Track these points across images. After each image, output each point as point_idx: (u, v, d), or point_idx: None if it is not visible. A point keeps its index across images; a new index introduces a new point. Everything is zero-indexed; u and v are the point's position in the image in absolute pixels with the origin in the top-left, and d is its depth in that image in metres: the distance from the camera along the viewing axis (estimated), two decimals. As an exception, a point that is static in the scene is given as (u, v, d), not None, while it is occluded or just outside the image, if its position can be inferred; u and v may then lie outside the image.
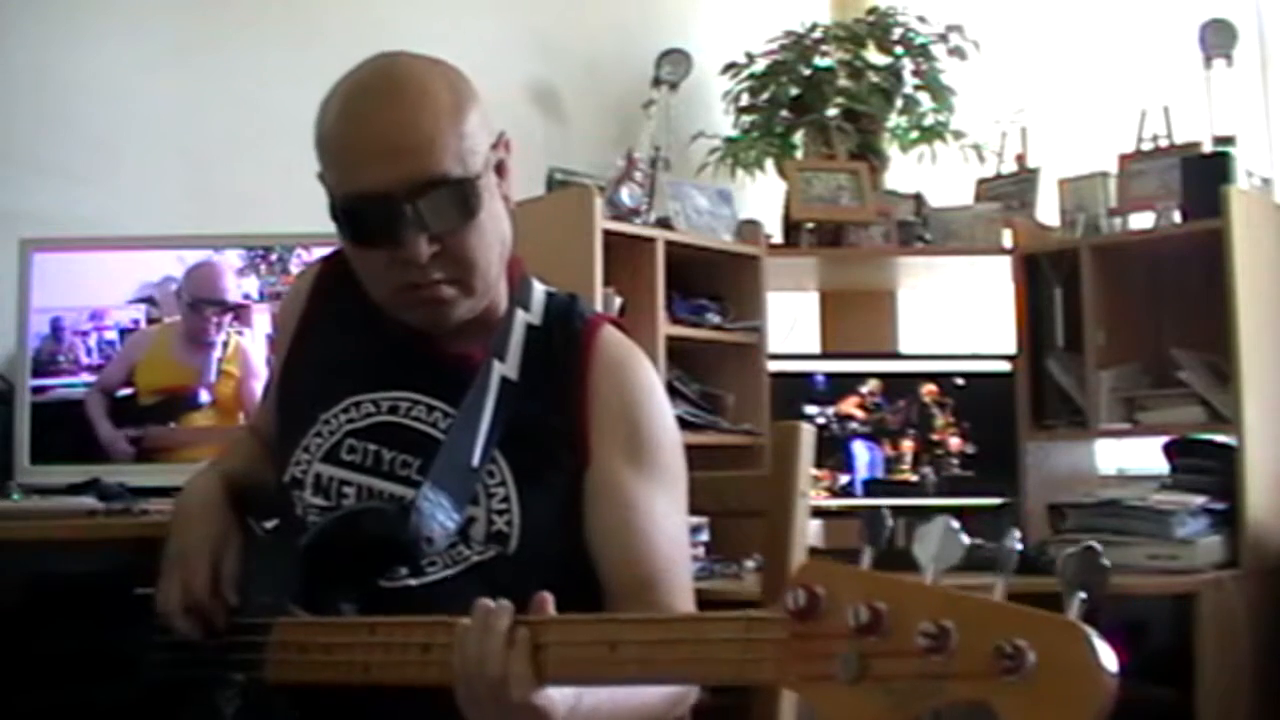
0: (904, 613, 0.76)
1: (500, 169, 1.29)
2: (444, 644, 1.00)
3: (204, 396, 2.29)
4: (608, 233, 2.81)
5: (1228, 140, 2.96)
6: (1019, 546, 0.80)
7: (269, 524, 1.36)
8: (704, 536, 2.90)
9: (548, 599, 1.00)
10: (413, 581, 1.21)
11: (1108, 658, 0.71)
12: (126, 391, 2.28)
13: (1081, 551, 0.77)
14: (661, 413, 1.32)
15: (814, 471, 2.10)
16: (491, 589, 1.15)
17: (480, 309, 1.28)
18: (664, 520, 1.26)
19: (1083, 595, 0.76)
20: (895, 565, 0.80)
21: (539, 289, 1.37)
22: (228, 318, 2.30)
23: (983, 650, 0.72)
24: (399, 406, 1.29)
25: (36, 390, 2.26)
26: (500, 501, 1.24)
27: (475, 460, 1.23)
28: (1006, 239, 3.23)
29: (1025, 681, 0.71)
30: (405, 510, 1.20)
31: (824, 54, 3.51)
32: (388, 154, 1.18)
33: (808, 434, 1.45)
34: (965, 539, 0.81)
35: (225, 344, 2.30)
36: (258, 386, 2.28)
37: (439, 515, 1.20)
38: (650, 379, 1.33)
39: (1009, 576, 0.79)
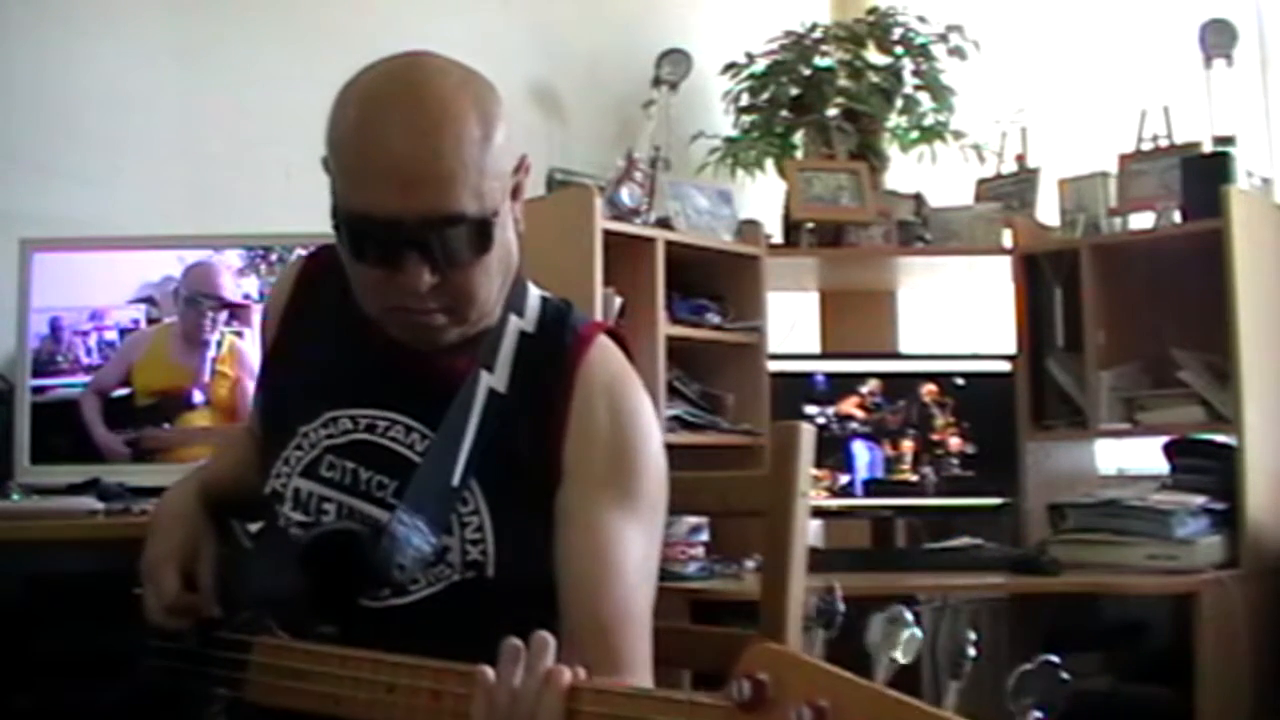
0: (847, 714, 0.75)
1: (516, 191, 1.24)
2: (406, 686, 1.00)
3: (199, 397, 2.29)
4: (608, 233, 2.81)
5: (1228, 140, 2.96)
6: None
7: (254, 527, 1.36)
8: (704, 536, 2.90)
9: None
10: (395, 601, 1.19)
11: None
12: (123, 392, 2.28)
13: (1038, 666, 0.76)
14: (644, 437, 1.25)
15: (814, 471, 2.10)
16: (473, 608, 1.15)
17: (471, 334, 1.25)
18: (633, 550, 1.20)
19: (1038, 714, 0.74)
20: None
21: (534, 294, 1.33)
22: (223, 315, 2.30)
23: None
24: (376, 425, 1.26)
25: (36, 390, 2.26)
26: (474, 531, 1.21)
27: (456, 480, 1.20)
28: (1006, 239, 3.23)
29: None
30: (378, 534, 1.17)
31: (824, 54, 3.51)
32: (404, 182, 1.12)
33: (808, 434, 1.45)
34: (918, 633, 0.80)
35: (220, 343, 2.30)
36: (254, 387, 2.29)
37: (414, 539, 1.17)
38: (637, 402, 1.27)
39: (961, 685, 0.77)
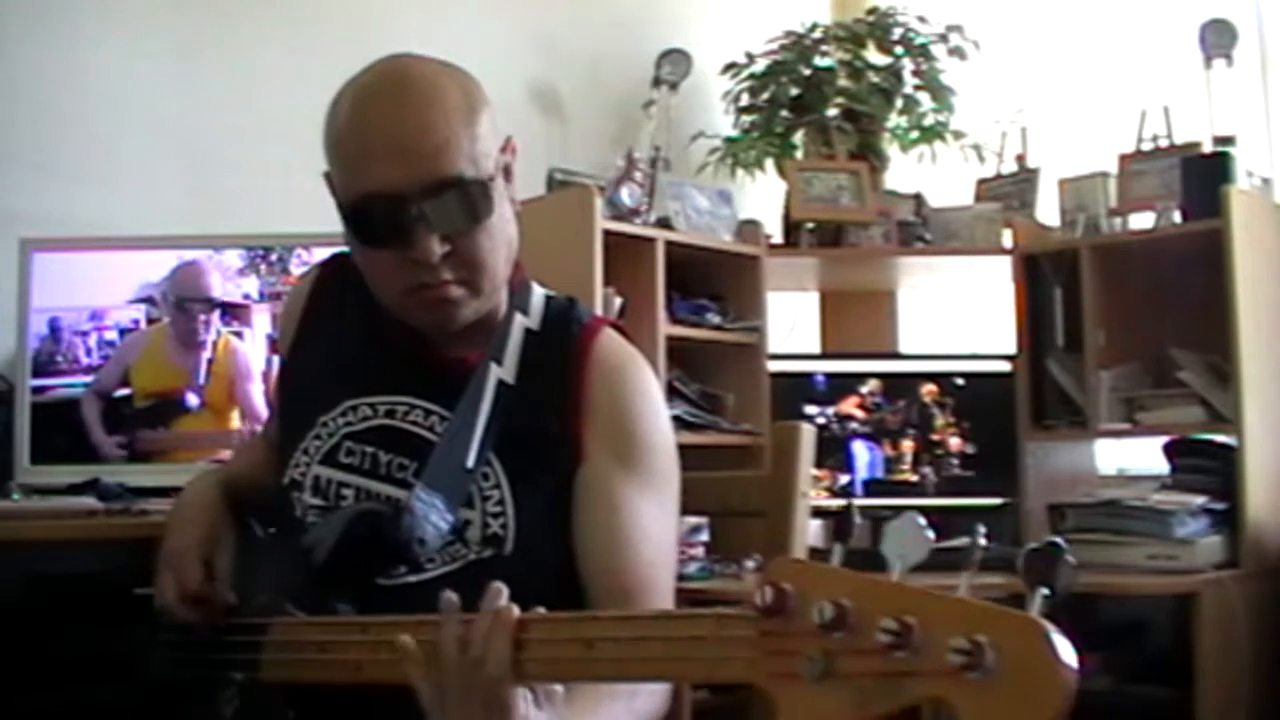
0: (868, 610, 0.76)
1: (508, 172, 1.29)
2: (430, 641, 1.01)
3: (193, 400, 2.28)
4: (608, 233, 2.81)
5: (1228, 140, 2.96)
6: (984, 542, 0.80)
7: (270, 527, 1.37)
8: (704, 536, 2.90)
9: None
10: (411, 578, 1.22)
11: (1067, 653, 0.69)
12: (123, 393, 2.27)
13: (1044, 547, 0.76)
14: (655, 416, 1.32)
15: (814, 471, 2.10)
16: None
17: (485, 310, 1.29)
18: (651, 525, 1.26)
19: (1045, 591, 0.75)
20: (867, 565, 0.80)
21: (538, 292, 1.38)
22: (215, 315, 2.29)
23: (943, 647, 0.71)
24: (396, 410, 1.30)
25: (36, 390, 2.25)
26: (495, 505, 1.25)
27: (470, 462, 1.24)
28: (1006, 239, 3.23)
29: (985, 679, 0.70)
30: (399, 511, 1.20)
31: (824, 54, 3.51)
32: (400, 154, 1.18)
33: (808, 434, 1.45)
34: (931, 535, 0.81)
35: (215, 345, 2.29)
36: (252, 388, 2.28)
37: (432, 516, 1.20)
38: (646, 383, 1.33)
39: (974, 575, 0.78)
